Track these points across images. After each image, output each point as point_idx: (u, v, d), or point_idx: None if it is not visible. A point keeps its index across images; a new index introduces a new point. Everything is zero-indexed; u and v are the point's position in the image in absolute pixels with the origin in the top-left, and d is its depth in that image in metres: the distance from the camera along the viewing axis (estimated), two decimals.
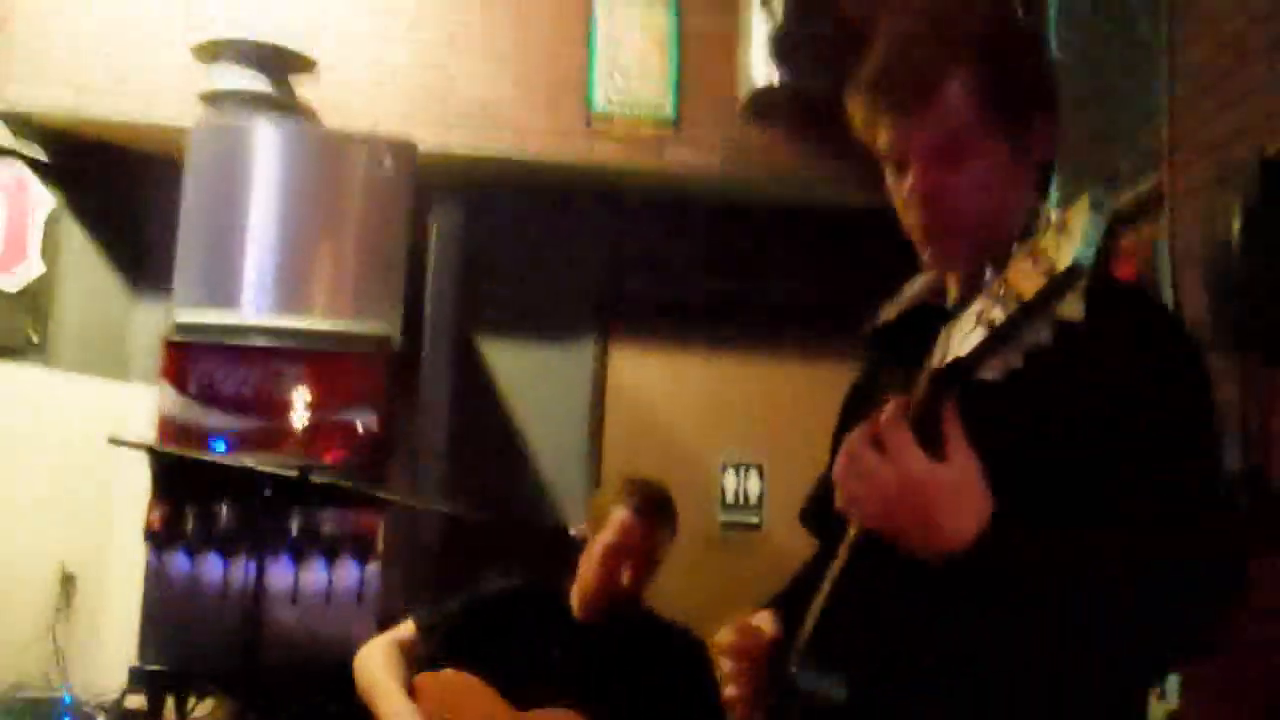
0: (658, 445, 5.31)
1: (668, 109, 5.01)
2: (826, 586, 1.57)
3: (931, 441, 1.37)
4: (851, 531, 1.50)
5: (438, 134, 4.88)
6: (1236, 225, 2.85)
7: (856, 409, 1.79)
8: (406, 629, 3.35)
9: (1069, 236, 1.15)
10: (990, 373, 1.25)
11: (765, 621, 1.76)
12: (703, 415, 5.34)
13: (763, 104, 4.79)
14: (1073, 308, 1.16)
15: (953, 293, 1.67)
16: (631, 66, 5.01)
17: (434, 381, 4.94)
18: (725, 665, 1.74)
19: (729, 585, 4.73)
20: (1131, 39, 3.76)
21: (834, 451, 1.52)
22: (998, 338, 1.23)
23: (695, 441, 5.33)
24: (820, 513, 1.72)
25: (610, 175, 5.11)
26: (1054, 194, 4.05)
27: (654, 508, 3.25)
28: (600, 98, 4.99)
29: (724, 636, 1.75)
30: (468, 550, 4.59)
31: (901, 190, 1.62)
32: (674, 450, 5.32)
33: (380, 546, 4.13)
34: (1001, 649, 1.43)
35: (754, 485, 5.21)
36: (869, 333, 1.78)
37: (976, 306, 1.26)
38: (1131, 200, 3.60)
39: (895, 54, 1.60)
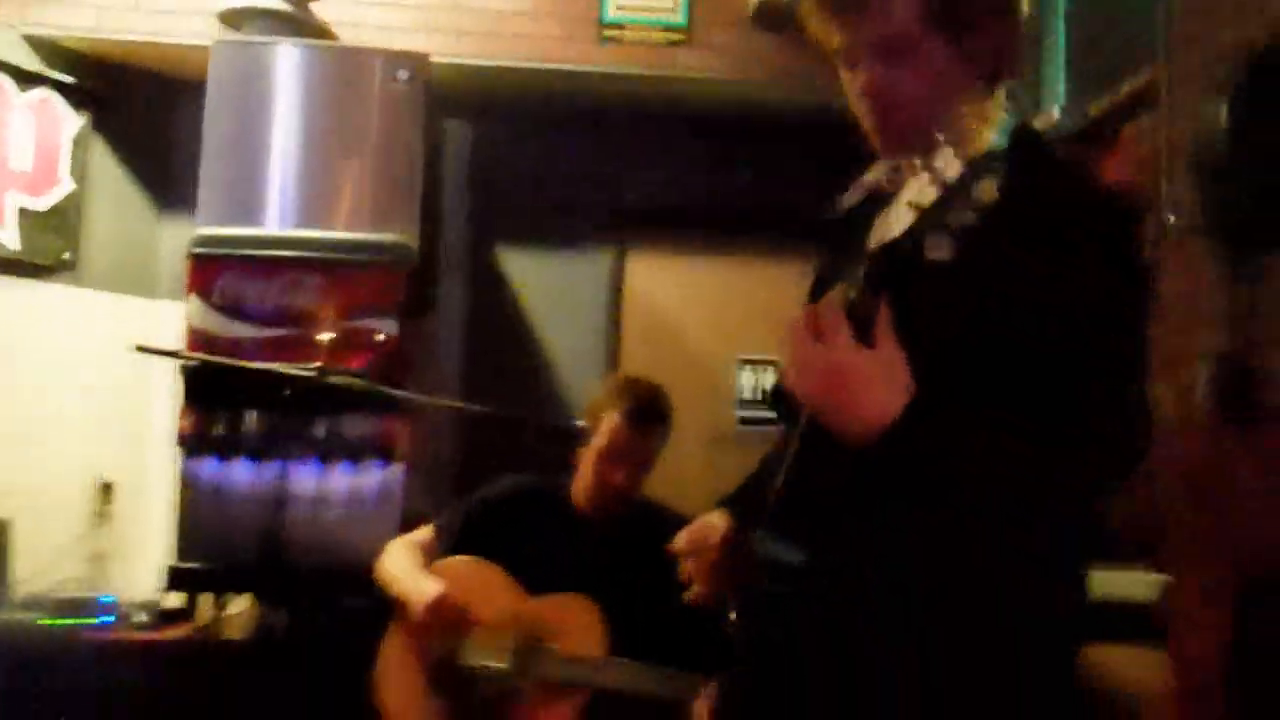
0: (674, 347, 5.41)
1: (679, 17, 5.06)
2: (786, 463, 1.67)
3: (865, 327, 1.45)
4: (803, 416, 1.60)
5: (450, 45, 4.95)
6: (1223, 116, 2.90)
7: (819, 295, 1.89)
8: (424, 532, 3.50)
9: (987, 125, 1.24)
10: (926, 246, 1.33)
11: (717, 520, 1.89)
12: (718, 316, 5.42)
13: (772, 11, 4.83)
14: (989, 190, 1.25)
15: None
16: None
17: (451, 291, 5.05)
18: (686, 566, 1.88)
19: None
20: None
21: None
22: (925, 220, 1.31)
23: (711, 342, 5.42)
24: (782, 397, 1.82)
25: (622, 83, 5.16)
26: (1061, 91, 4.11)
27: (645, 412, 3.36)
28: (611, 7, 5.04)
29: (679, 541, 1.90)
30: (487, 454, 4.72)
31: (854, 87, 1.71)
32: (690, 351, 5.41)
33: (402, 450, 4.27)
34: (930, 522, 1.52)
35: (769, 381, 5.29)
36: (828, 219, 1.87)
37: (906, 194, 1.35)
38: (1129, 92, 3.65)
39: None
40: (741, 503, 1.91)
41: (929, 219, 1.31)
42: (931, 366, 1.47)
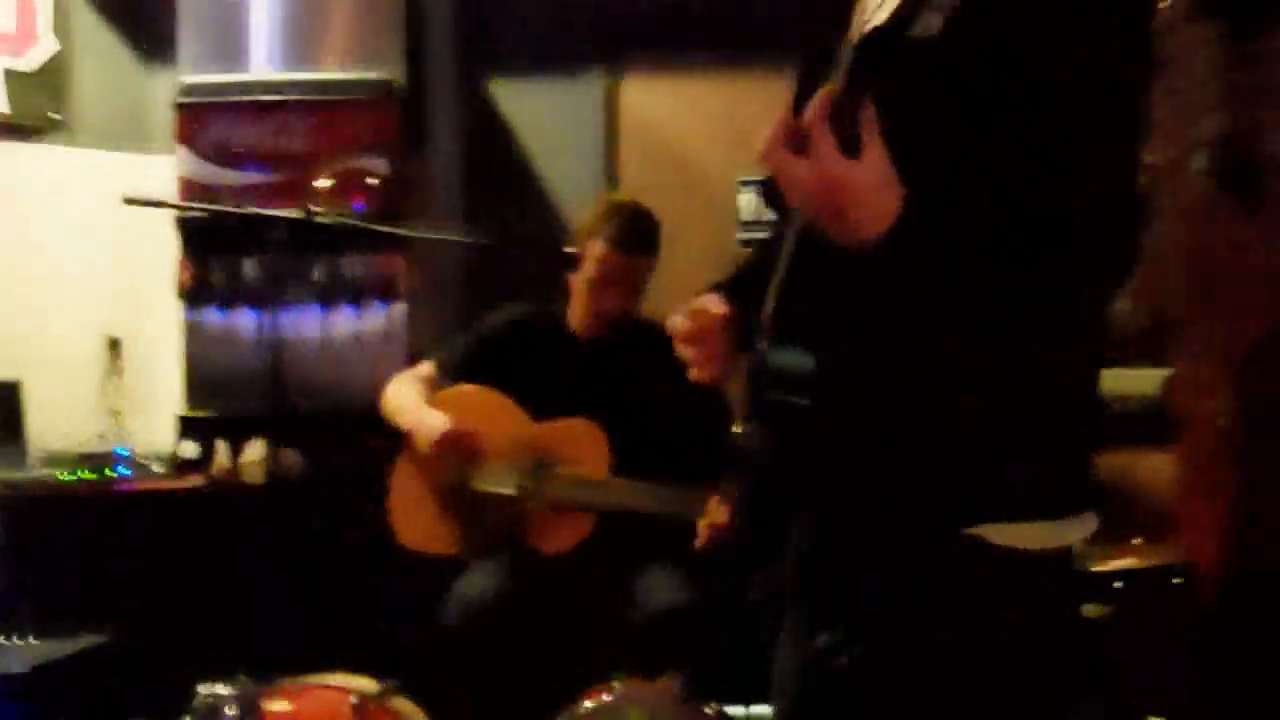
0: (673, 170, 5.34)
1: None
2: (784, 261, 1.62)
3: (850, 131, 1.39)
4: (795, 218, 1.55)
5: None
6: None
7: (809, 80, 1.84)
8: (426, 367, 3.52)
9: None
10: (915, 29, 1.28)
11: (713, 303, 1.84)
12: (716, 137, 5.34)
13: None
14: None
15: None
16: None
17: (443, 125, 5.00)
18: (687, 351, 1.83)
19: None
20: None
21: None
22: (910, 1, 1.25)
23: (710, 164, 5.34)
24: (777, 193, 1.79)
25: None
26: None
27: (630, 238, 3.34)
28: None
29: (677, 323, 1.84)
30: (488, 286, 4.72)
31: None
32: (689, 174, 5.35)
33: (404, 286, 4.28)
34: (933, 324, 1.48)
35: None
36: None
37: None
38: None
39: None
40: (738, 287, 1.87)
41: None
42: (923, 159, 1.42)
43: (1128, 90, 1.47)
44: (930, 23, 1.25)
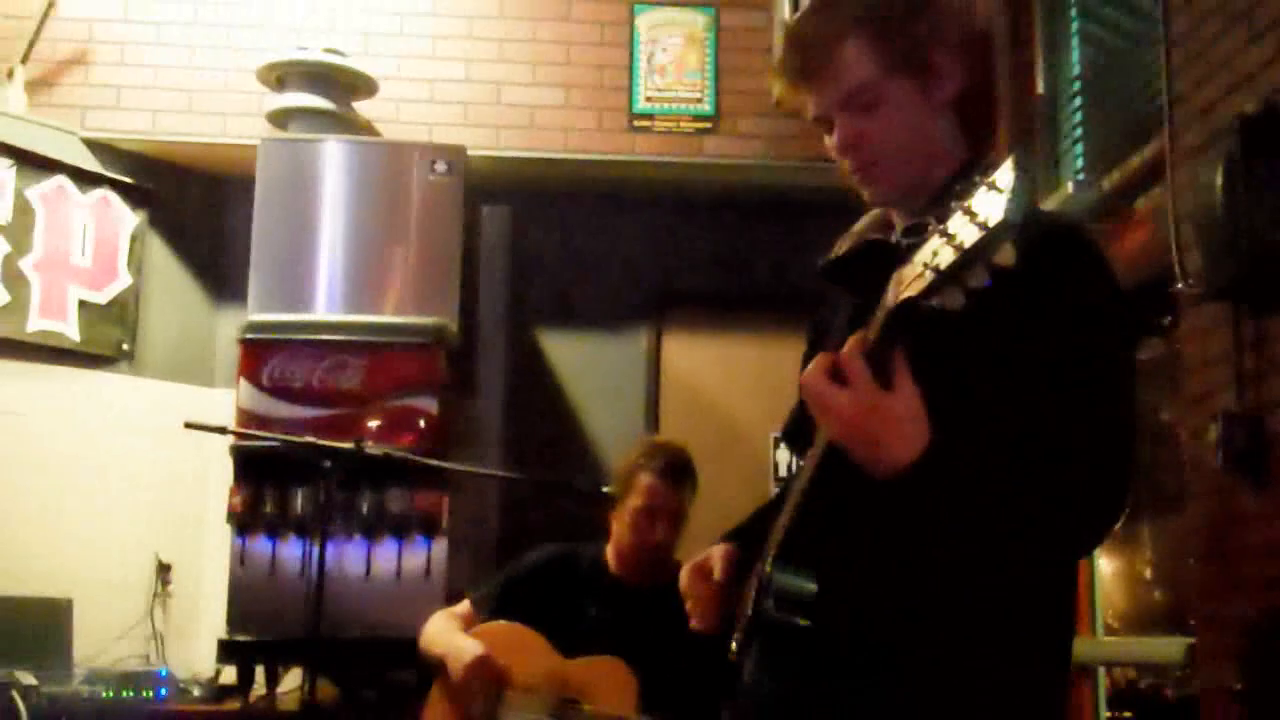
0: (712, 425, 5.49)
1: (706, 104, 5.25)
2: (797, 492, 1.78)
3: (883, 372, 1.55)
4: (819, 445, 1.69)
5: (488, 138, 5.17)
6: (1219, 182, 3.00)
7: (819, 337, 2.02)
8: (462, 606, 3.65)
9: (999, 193, 1.35)
10: (940, 302, 1.45)
11: (719, 556, 1.99)
12: (753, 395, 5.51)
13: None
14: (1006, 255, 1.35)
15: (899, 227, 1.88)
16: (670, 66, 5.26)
17: (490, 372, 5.21)
18: (688, 604, 1.99)
19: None
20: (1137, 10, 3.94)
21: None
22: (943, 279, 1.40)
23: (747, 420, 5.51)
24: (796, 432, 1.92)
25: (653, 170, 5.34)
26: (1077, 165, 4.23)
27: (676, 468, 3.49)
28: (641, 97, 5.24)
29: (682, 576, 2.01)
30: (528, 527, 4.85)
31: (833, 146, 1.85)
32: (727, 429, 5.51)
33: (445, 523, 4.41)
34: (943, 549, 1.63)
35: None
36: (825, 266, 1.98)
37: (922, 254, 1.44)
38: (1139, 165, 3.76)
39: (796, 36, 1.86)
40: (747, 535, 2.00)
41: (945, 279, 1.40)
42: (942, 410, 1.57)
43: (1121, 385, 1.67)
44: (957, 300, 1.41)
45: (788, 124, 5.09)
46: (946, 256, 1.39)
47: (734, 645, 1.88)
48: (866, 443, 1.57)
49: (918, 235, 1.47)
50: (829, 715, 1.71)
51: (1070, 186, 4.06)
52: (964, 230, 1.37)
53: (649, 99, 5.23)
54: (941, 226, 1.41)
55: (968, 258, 1.37)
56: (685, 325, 5.68)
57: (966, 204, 1.37)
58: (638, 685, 3.30)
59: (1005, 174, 1.35)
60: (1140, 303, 3.41)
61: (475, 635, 3.48)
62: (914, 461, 1.54)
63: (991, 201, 1.35)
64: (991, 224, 1.34)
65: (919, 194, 1.81)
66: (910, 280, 1.45)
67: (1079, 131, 4.27)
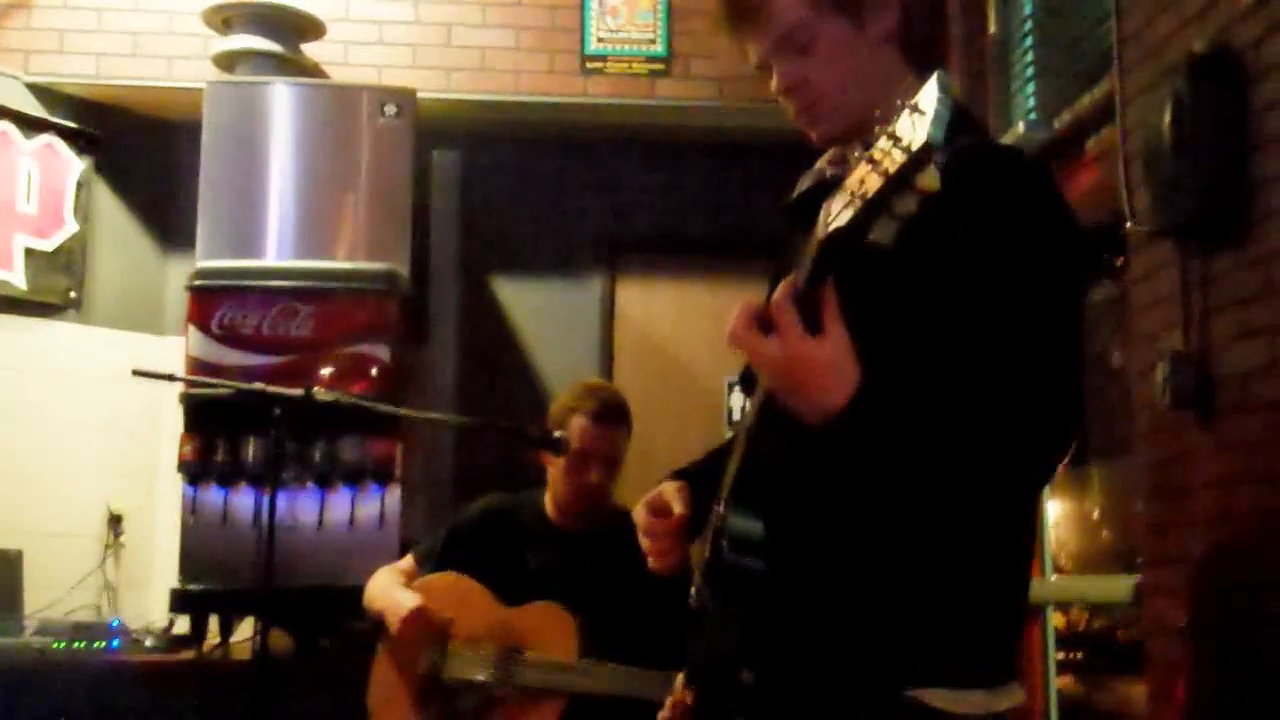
0: (665, 370, 5.51)
1: (659, 46, 5.21)
2: (744, 436, 1.77)
3: (813, 314, 1.52)
4: (760, 388, 1.68)
5: (438, 81, 5.12)
6: (1167, 120, 3.00)
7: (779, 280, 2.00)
8: (406, 560, 3.64)
9: (921, 115, 1.32)
10: (873, 235, 1.42)
11: (673, 491, 1.97)
12: (707, 340, 5.50)
13: None
14: (930, 179, 1.31)
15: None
16: (622, 7, 5.22)
17: (443, 319, 5.18)
18: (645, 543, 1.97)
19: None
20: None
21: None
22: (869, 208, 1.37)
23: (701, 365, 5.52)
24: (749, 376, 1.91)
25: (605, 113, 5.31)
26: (1029, 106, 4.23)
27: (609, 411, 3.46)
28: (593, 39, 5.20)
29: (637, 515, 1.98)
30: (482, 473, 4.84)
31: (775, 89, 1.83)
32: (681, 374, 5.51)
33: (399, 471, 4.39)
34: (886, 489, 1.61)
35: None
36: (787, 206, 1.94)
37: (850, 182, 1.40)
38: (1089, 104, 3.76)
39: None
40: (699, 476, 1.99)
41: (872, 207, 1.36)
42: (875, 349, 1.54)
43: (1059, 303, 1.63)
44: (886, 230, 1.38)
45: (741, 66, 5.02)
46: (873, 183, 1.36)
47: (693, 591, 1.87)
48: (792, 392, 1.55)
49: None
50: (788, 659, 1.71)
51: (1022, 127, 4.06)
52: (888, 155, 1.34)
53: (601, 40, 5.19)
54: (868, 153, 1.37)
55: (892, 183, 1.33)
56: (639, 270, 5.67)
57: (891, 128, 1.34)
58: (577, 629, 3.30)
59: (927, 95, 1.31)
60: (1093, 239, 3.42)
61: (416, 589, 3.46)
62: (842, 407, 1.51)
63: (915, 123, 1.31)
64: (915, 147, 1.30)
65: (866, 131, 1.77)
66: (838, 211, 1.43)
67: (1030, 72, 4.26)
